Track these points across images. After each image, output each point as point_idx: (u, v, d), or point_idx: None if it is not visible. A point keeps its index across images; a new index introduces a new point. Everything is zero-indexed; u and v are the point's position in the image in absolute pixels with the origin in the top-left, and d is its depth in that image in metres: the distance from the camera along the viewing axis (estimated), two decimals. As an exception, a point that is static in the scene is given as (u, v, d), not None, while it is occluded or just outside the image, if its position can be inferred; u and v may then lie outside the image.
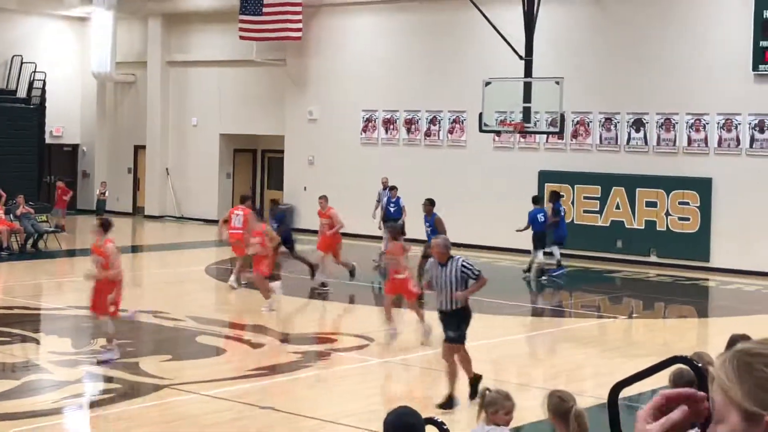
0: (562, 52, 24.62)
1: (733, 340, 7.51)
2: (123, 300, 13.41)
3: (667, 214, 23.51)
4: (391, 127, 28.15)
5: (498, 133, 24.06)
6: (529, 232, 21.51)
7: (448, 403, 10.91)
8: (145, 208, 33.64)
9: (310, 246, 22.33)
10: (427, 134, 27.50)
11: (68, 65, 34.44)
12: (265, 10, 29.06)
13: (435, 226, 18.38)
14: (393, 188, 23.72)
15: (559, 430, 6.17)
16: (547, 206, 22.37)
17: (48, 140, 33.65)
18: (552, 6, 24.10)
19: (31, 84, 32.75)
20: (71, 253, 25.17)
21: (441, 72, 26.89)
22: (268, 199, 32.14)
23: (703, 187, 23.09)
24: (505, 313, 17.95)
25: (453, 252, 11.58)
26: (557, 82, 21.26)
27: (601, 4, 24.66)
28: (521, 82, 21.74)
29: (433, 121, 27.34)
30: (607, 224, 24.22)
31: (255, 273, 17.19)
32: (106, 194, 31.28)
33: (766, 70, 22.31)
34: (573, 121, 24.58)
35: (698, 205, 23.14)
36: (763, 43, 22.28)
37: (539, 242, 21.52)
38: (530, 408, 9.94)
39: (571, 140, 24.96)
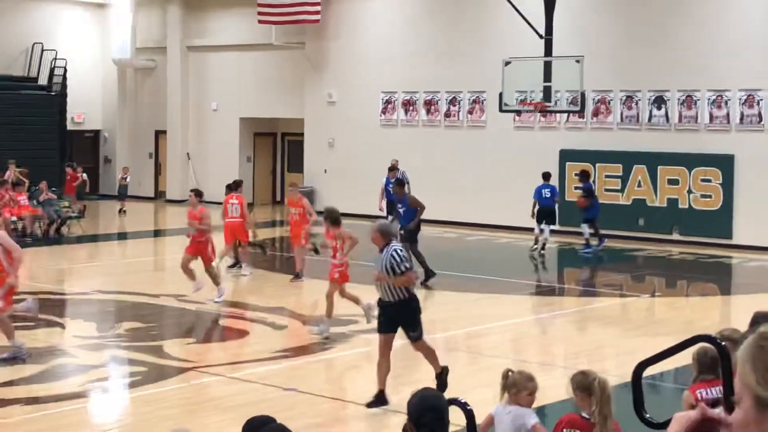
0: (582, 30, 24.50)
1: (757, 318, 7.50)
2: (143, 283, 13.48)
3: (689, 191, 23.41)
4: (411, 108, 28.11)
5: (518, 112, 24.00)
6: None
7: (379, 401, 10.24)
8: (167, 193, 33.76)
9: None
10: (447, 115, 27.45)
11: (88, 52, 34.54)
12: (283, -7, 29.09)
13: (410, 206, 18.13)
14: (392, 169, 23.49)
15: (583, 407, 6.21)
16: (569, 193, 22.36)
17: (69, 127, 33.80)
18: (571, -16, 23.98)
19: (52, 71, 32.87)
20: (94, 238, 25.32)
21: (460, 52, 26.82)
22: (288, 182, 32.30)
23: (725, 163, 22.97)
24: (526, 292, 17.94)
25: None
26: (577, 61, 21.16)
27: (620, -19, 24.52)
28: (541, 61, 21.65)
29: (452, 101, 27.29)
30: (629, 202, 24.14)
31: (185, 254, 16.22)
32: (128, 179, 31.39)
33: (788, 46, 22.14)
34: (594, 99, 24.48)
35: (720, 182, 23.02)
36: (785, 18, 22.10)
37: (544, 217, 21.75)
38: (553, 387, 9.95)
39: (592, 119, 24.87)
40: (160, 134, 34.46)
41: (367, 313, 13.55)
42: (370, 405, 10.24)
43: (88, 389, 11.34)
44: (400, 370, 12.29)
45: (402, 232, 17.80)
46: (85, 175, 30.18)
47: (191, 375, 11.70)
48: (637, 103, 24.32)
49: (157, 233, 28.08)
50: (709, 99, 23.33)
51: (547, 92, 21.36)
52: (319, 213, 17.19)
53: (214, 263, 17.02)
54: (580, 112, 23.03)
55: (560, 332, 15.30)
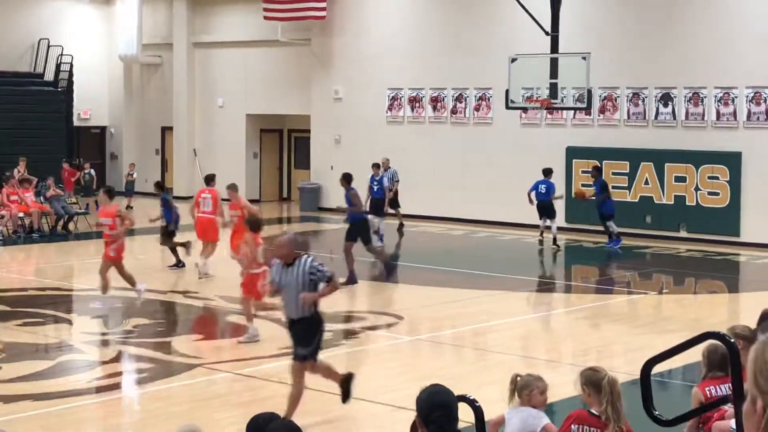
0: (589, 26, 24.47)
1: (765, 315, 7.50)
2: (150, 279, 13.50)
3: (697, 188, 23.37)
4: (417, 105, 28.10)
5: (525, 109, 23.97)
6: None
7: None
8: (174, 189, 33.77)
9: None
10: (453, 112, 27.43)
11: (95, 48, 34.56)
12: (289, -11, 29.09)
13: (352, 201, 17.69)
14: (375, 165, 23.21)
15: (592, 403, 6.21)
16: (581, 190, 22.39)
17: (76, 123, 33.81)
18: (578, -19, 23.95)
19: (58, 67, 32.89)
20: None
21: (466, 49, 26.79)
22: (296, 179, 32.33)
23: (732, 161, 22.93)
24: (533, 289, 17.93)
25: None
26: (584, 58, 21.10)
27: (627, -23, 24.47)
28: (547, 58, 21.60)
29: (459, 98, 27.27)
30: (636, 200, 24.10)
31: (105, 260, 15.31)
32: (135, 176, 31.41)
33: (795, 43, 22.09)
34: (600, 96, 24.45)
35: (728, 179, 22.98)
36: (793, 15, 22.04)
37: (544, 212, 22.20)
38: (561, 385, 9.94)
39: (599, 116, 24.83)
40: (166, 130, 34.48)
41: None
42: None
43: (97, 385, 11.36)
44: (406, 366, 12.31)
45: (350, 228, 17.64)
46: (93, 171, 30.19)
47: (199, 371, 11.71)
48: (643, 100, 24.29)
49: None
50: (716, 96, 23.29)
51: (553, 89, 21.32)
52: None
53: (199, 262, 17.02)
54: (587, 109, 23.01)
55: (568, 329, 15.28)
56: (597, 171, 22.85)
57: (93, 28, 34.69)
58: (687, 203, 23.49)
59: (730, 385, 6.46)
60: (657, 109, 24.10)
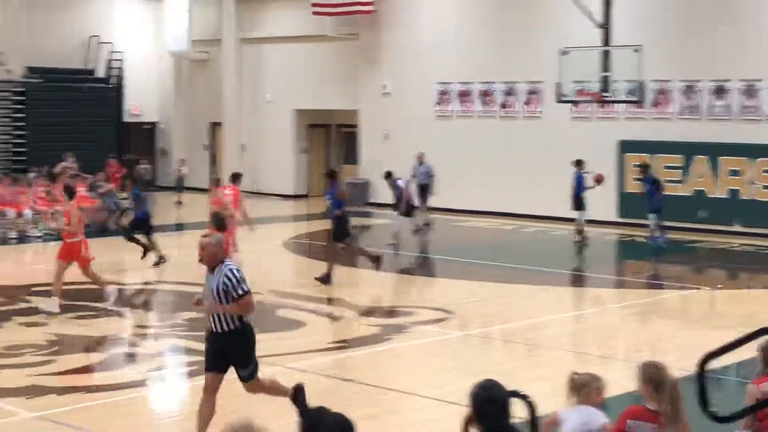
0: (641, 18, 24.17)
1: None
2: (200, 274, 13.45)
3: (751, 182, 23.02)
4: (466, 99, 27.96)
5: (576, 103, 23.75)
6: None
7: None
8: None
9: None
10: (503, 106, 27.26)
11: (145, 44, 34.82)
12: (337, -16, 29.10)
13: (338, 198, 17.37)
14: (388, 175, 23.01)
15: (650, 399, 6.08)
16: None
17: (126, 119, 34.10)
18: (629, -28, 23.68)
19: (109, 64, 33.18)
20: (156, 228, 25.39)
21: (516, 42, 26.61)
22: (344, 174, 32.32)
23: (788, 154, 22.56)
24: (583, 284, 17.76)
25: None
26: (636, 50, 20.87)
27: (680, -31, 24.15)
28: (599, 51, 21.39)
29: (509, 92, 27.09)
30: (690, 193, 23.79)
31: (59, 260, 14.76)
32: (185, 171, 31.61)
33: None
34: (653, 89, 24.14)
35: (783, 172, 22.62)
36: None
37: (578, 204, 22.02)
38: (614, 380, 9.80)
39: (652, 109, 24.53)
40: (215, 126, 34.65)
41: None
42: None
43: (147, 378, 11.41)
44: (456, 362, 12.23)
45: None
46: (149, 167, 30.43)
47: (249, 365, 11.69)
48: (697, 93, 23.95)
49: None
50: (771, 88, 22.92)
51: (605, 82, 21.11)
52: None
53: None
54: (639, 103, 22.72)
55: (620, 325, 15.10)
56: (645, 167, 22.51)
57: (143, 25, 34.95)
58: (741, 197, 23.14)
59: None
60: (710, 101, 23.77)
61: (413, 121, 28.85)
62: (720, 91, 23.59)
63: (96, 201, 24.88)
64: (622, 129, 24.95)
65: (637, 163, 23.73)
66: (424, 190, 24.62)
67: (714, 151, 23.47)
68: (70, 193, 15.64)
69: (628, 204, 24.22)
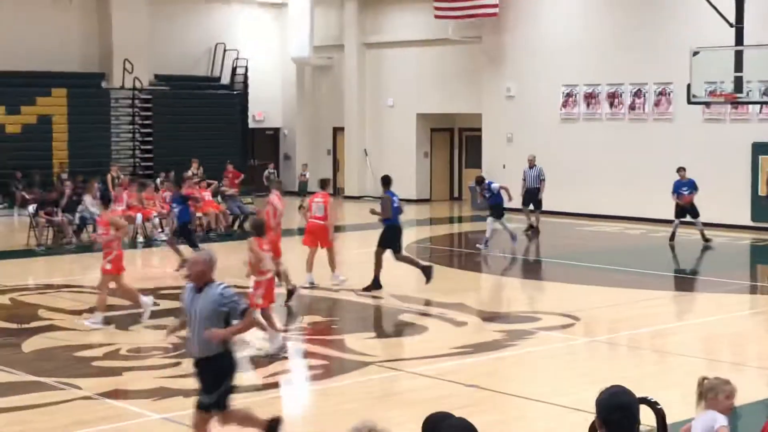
0: (775, 16, 23.34)
1: None
2: (323, 278, 13.41)
3: None
4: (593, 101, 27.45)
5: (708, 104, 23.07)
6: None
7: None
8: (345, 189, 34.13)
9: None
10: (632, 108, 26.68)
11: (268, 51, 35.30)
12: (460, -13, 28.93)
13: (382, 206, 17.00)
14: (480, 180, 22.35)
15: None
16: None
17: (251, 125, 34.60)
18: (763, -32, 22.90)
19: (233, 71, 33.73)
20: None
21: (645, 42, 26.00)
22: (467, 178, 32.14)
23: None
24: (718, 290, 17.19)
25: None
26: (770, 49, 20.16)
27: (817, -37, 23.24)
28: (732, 51, 20.70)
29: (637, 94, 26.50)
30: (827, 196, 22.88)
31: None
32: (308, 176, 31.88)
33: None
34: (788, 89, 23.30)
35: None
36: None
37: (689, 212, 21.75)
38: (746, 389, 9.43)
39: (787, 110, 23.69)
40: (337, 131, 34.88)
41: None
42: None
43: (271, 381, 11.44)
44: (582, 368, 11.94)
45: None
46: (275, 170, 30.83)
47: (372, 369, 11.64)
48: (835, 92, 23.02)
49: (336, 229, 28.27)
50: None
51: (738, 83, 20.43)
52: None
53: (304, 280, 16.43)
54: (774, 103, 21.97)
55: (753, 332, 14.56)
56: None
57: (266, 32, 35.44)
58: None
59: None
60: None
61: (537, 124, 28.48)
62: None
63: (221, 206, 25.25)
64: (756, 130, 24.15)
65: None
66: (534, 194, 24.34)
67: None
68: (105, 202, 15.52)
69: (761, 207, 23.39)
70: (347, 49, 33.73)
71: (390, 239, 16.87)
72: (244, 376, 11.49)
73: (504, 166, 29.20)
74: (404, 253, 17.11)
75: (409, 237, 24.13)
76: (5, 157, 27.80)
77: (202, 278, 7.85)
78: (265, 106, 35.46)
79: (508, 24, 29.18)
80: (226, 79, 33.71)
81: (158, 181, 26.24)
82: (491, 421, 9.36)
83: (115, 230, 14.11)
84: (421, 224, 27.74)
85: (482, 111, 30.20)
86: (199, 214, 24.39)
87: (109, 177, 26.30)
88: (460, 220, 29.64)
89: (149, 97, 31.10)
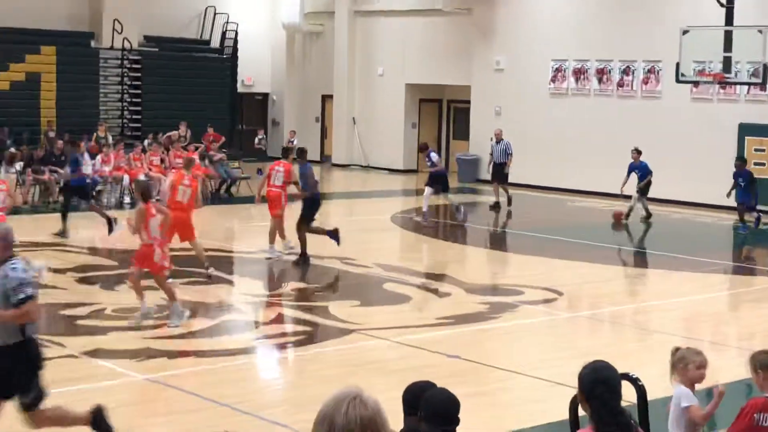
0: (767, -2, 23.38)
1: None
2: (308, 245, 13.41)
3: None
4: (582, 77, 27.47)
5: (696, 83, 23.12)
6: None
7: None
8: (333, 157, 34.11)
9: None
10: (620, 85, 26.71)
11: (259, 16, 35.09)
12: (454, -42, 28.84)
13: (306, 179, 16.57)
14: (423, 147, 22.13)
15: (765, 386, 5.93)
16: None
17: (239, 89, 34.47)
18: (757, -51, 22.90)
19: (223, 34, 33.54)
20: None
21: (635, 19, 26.00)
22: (454, 150, 32.16)
23: None
24: (699, 270, 17.32)
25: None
26: (760, 31, 20.18)
27: (810, -54, 23.26)
28: (722, 31, 20.75)
29: (626, 71, 26.52)
30: (811, 180, 23.00)
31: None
32: (295, 142, 31.81)
33: None
34: (776, 71, 23.35)
35: None
36: None
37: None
38: (726, 368, 9.56)
39: (774, 92, 23.75)
40: (326, 98, 34.80)
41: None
42: None
43: (256, 345, 11.52)
44: (564, 343, 12.04)
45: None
46: (266, 136, 30.79)
47: (355, 337, 11.72)
48: (823, 76, 23.08)
49: (322, 196, 28.32)
50: None
51: (727, 63, 20.49)
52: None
53: (282, 243, 16.36)
54: (762, 85, 21.99)
55: (735, 312, 14.72)
56: (742, 161, 21.50)
57: (258, -4, 35.23)
58: None
59: None
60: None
61: (526, 98, 28.50)
62: None
63: (209, 170, 25.22)
64: (743, 111, 24.23)
65: (759, 147, 23.03)
66: (500, 168, 24.04)
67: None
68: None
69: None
70: (338, 17, 33.59)
71: (311, 211, 16.51)
72: (231, 339, 11.56)
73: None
74: (314, 225, 16.63)
75: (394, 207, 24.23)
76: (-7, 113, 27.65)
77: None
78: (255, 71, 35.30)
79: (500, -3, 29.10)
80: (215, 43, 33.53)
81: (146, 142, 26.15)
82: (472, 392, 9.46)
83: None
84: (408, 195, 27.77)
85: (471, 83, 30.18)
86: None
87: (94, 136, 26.18)
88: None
89: (138, 58, 30.91)
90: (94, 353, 10.66)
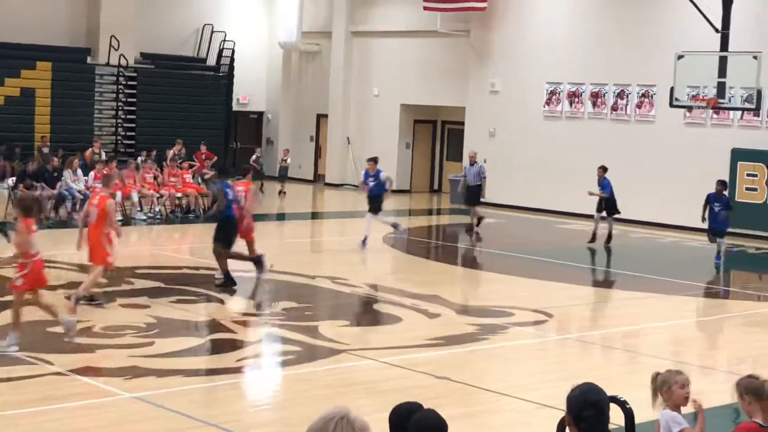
0: (762, 25, 23.47)
1: None
2: (299, 264, 13.47)
3: None
4: (576, 100, 27.56)
5: (689, 108, 23.20)
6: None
7: None
8: (326, 176, 34.13)
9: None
10: (614, 108, 26.79)
11: (256, 35, 35.19)
12: (450, -20, 28.95)
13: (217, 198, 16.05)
14: (371, 160, 21.11)
15: (754, 411, 5.89)
16: None
17: (235, 107, 34.52)
18: (751, -24, 23.03)
19: (220, 53, 33.62)
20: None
21: (630, 44, 26.11)
22: (448, 171, 32.20)
23: None
24: (691, 293, 17.33)
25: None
26: (755, 57, 20.28)
27: (804, -26, 23.39)
28: (716, 56, 20.83)
29: (620, 95, 26.62)
30: (802, 205, 23.07)
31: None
32: (289, 161, 31.87)
33: None
34: (769, 97, 23.44)
35: None
36: None
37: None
38: (715, 392, 9.53)
39: (767, 118, 23.83)
40: (321, 118, 34.85)
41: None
42: None
43: (244, 364, 11.48)
44: (552, 365, 12.02)
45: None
46: (260, 156, 30.93)
47: (344, 357, 11.69)
48: (816, 102, 23.18)
49: (314, 216, 28.38)
50: None
51: (721, 88, 20.57)
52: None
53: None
54: (756, 110, 22.10)
55: (724, 336, 14.70)
56: (723, 185, 21.18)
57: (254, 15, 35.34)
58: None
59: None
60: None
61: (520, 120, 28.56)
62: (841, 101, 22.78)
63: (202, 188, 25.23)
64: (736, 137, 24.30)
65: (752, 172, 23.08)
66: (475, 191, 23.86)
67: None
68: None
69: (737, 213, 23.52)
70: (335, 37, 33.69)
71: (228, 233, 15.71)
72: (219, 358, 11.53)
73: (485, 161, 29.26)
74: (233, 250, 15.76)
75: (386, 228, 24.18)
76: (-13, 128, 27.67)
77: None
78: (250, 90, 35.37)
79: (495, 19, 29.22)
80: (212, 61, 33.61)
81: (139, 160, 26.16)
82: (461, 413, 9.43)
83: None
84: (400, 215, 27.76)
85: (466, 105, 30.25)
86: (179, 195, 24.39)
87: (89, 152, 26.19)
88: (439, 212, 29.70)
89: (134, 74, 30.97)
90: (82, 371, 10.61)
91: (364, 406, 9.71)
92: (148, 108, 30.80)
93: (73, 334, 11.68)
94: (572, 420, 4.51)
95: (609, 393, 4.72)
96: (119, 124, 30.72)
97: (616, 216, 21.75)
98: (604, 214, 21.63)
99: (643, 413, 6.26)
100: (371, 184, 20.34)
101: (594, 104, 27.19)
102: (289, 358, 11.75)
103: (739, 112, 23.50)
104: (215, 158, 28.35)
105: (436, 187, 33.30)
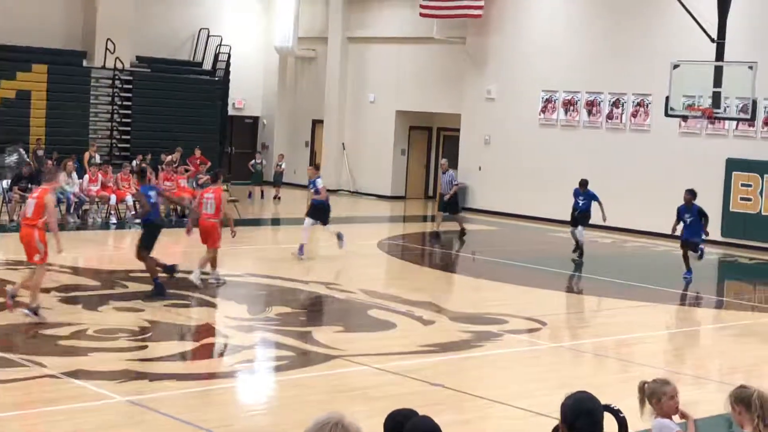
0: (757, 35, 23.53)
1: None
2: (294, 269, 13.46)
3: None
4: (572, 108, 27.59)
5: (685, 118, 23.24)
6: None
7: None
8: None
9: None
10: (609, 117, 26.83)
11: (252, 39, 35.20)
12: (446, -13, 28.98)
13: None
14: (312, 167, 20.83)
15: (744, 422, 5.88)
16: None
17: (230, 112, 34.50)
18: (747, -14, 23.09)
19: (216, 57, 33.61)
20: (249, 222, 25.70)
21: (626, 53, 26.15)
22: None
23: None
24: (682, 303, 17.35)
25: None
26: (750, 67, 20.32)
27: (800, -15, 23.46)
28: (712, 66, 20.87)
29: (615, 103, 26.65)
30: (797, 215, 23.11)
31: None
32: (283, 166, 31.85)
33: None
34: (765, 107, 23.49)
35: None
36: None
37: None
38: (708, 401, 9.54)
39: (763, 128, 23.89)
40: (316, 123, 34.86)
41: None
42: None
43: (237, 369, 11.46)
44: (546, 373, 12.03)
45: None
46: (264, 160, 30.93)
47: (338, 363, 11.68)
48: (811, 113, 23.25)
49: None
50: None
51: (716, 98, 20.60)
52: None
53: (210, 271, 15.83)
54: (751, 120, 22.14)
55: (717, 346, 14.71)
56: (692, 195, 20.84)
57: (251, 20, 35.34)
58: None
59: None
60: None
61: (516, 128, 28.59)
62: (836, 113, 22.85)
63: (195, 192, 25.18)
64: (731, 147, 24.35)
65: (746, 182, 23.12)
66: (453, 199, 23.88)
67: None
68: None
69: (732, 223, 23.60)
70: (331, 42, 33.71)
71: (150, 236, 15.33)
72: (213, 363, 11.50)
73: (480, 168, 29.32)
74: (152, 255, 15.23)
75: (381, 234, 24.22)
76: (-18, 130, 27.61)
77: None
78: (246, 94, 35.37)
79: (492, 26, 29.26)
80: (208, 65, 33.59)
81: (134, 163, 26.14)
82: (455, 420, 9.43)
83: None
84: (395, 221, 27.81)
85: (461, 112, 30.28)
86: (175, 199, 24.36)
87: (86, 156, 26.16)
88: (433, 219, 29.65)
89: (130, 78, 30.94)
90: (75, 374, 10.59)
91: (358, 412, 9.69)
92: (143, 112, 30.76)
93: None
94: (566, 428, 4.51)
95: (603, 401, 4.72)
96: (114, 128, 30.67)
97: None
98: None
99: (636, 422, 6.26)
100: (312, 190, 19.88)
101: (589, 113, 27.23)
102: (283, 364, 11.73)
103: (734, 122, 23.55)
104: (209, 163, 28.32)
105: (431, 193, 33.29)
